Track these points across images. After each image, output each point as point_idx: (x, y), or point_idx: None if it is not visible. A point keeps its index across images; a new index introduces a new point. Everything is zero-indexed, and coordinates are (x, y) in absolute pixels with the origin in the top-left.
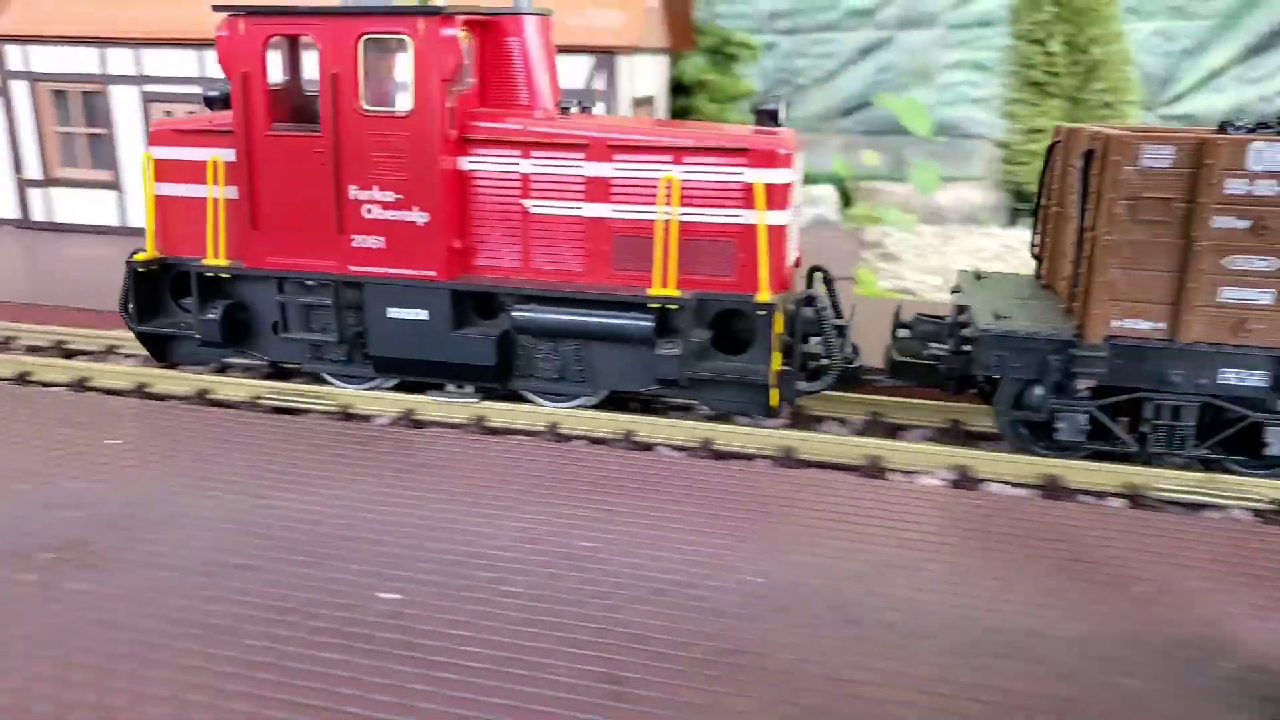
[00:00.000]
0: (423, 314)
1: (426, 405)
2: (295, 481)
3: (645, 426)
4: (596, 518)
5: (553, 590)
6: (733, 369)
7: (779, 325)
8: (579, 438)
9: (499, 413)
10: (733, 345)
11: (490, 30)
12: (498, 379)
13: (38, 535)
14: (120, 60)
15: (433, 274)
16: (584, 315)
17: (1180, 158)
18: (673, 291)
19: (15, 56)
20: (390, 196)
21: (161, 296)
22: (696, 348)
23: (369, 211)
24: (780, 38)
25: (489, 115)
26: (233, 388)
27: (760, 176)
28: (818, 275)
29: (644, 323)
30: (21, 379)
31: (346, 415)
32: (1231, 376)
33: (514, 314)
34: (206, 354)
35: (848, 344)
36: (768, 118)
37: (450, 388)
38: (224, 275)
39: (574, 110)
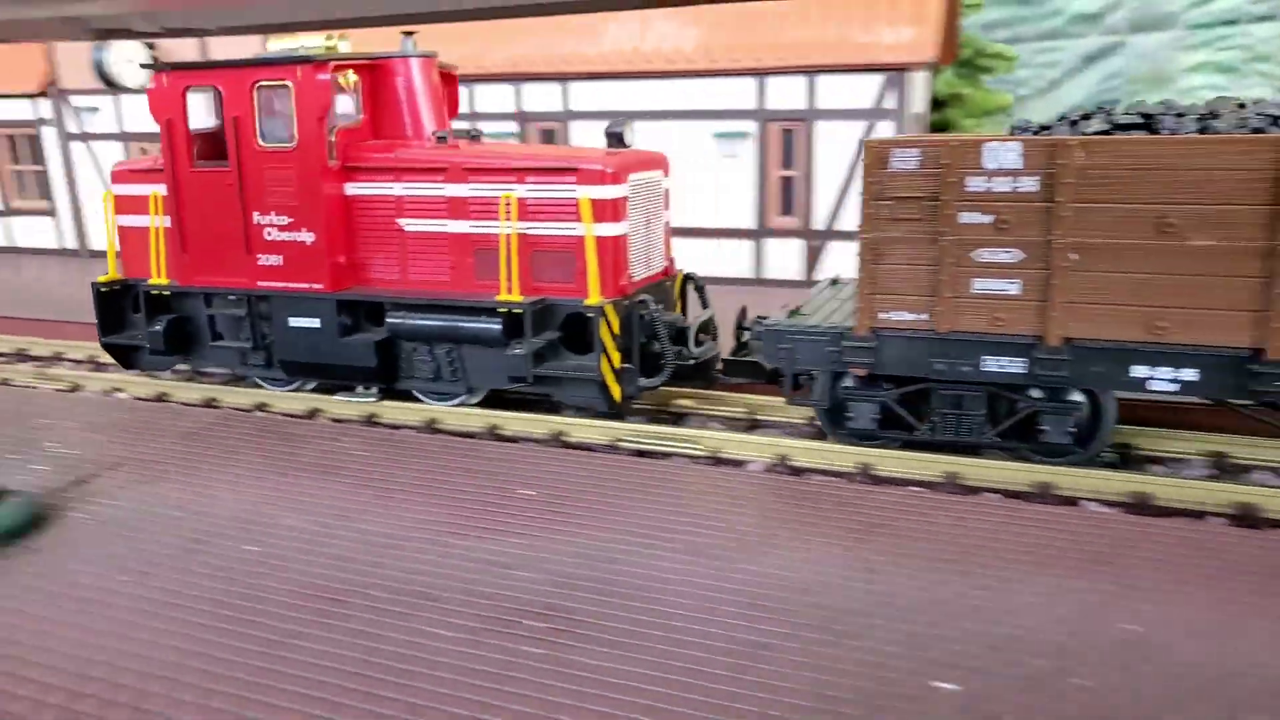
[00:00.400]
0: (315, 322)
1: (799, 450)
2: (742, 540)
3: (1065, 478)
4: (1115, 593)
5: (1130, 685)
6: (572, 366)
7: (615, 326)
8: (984, 489)
9: (886, 461)
10: (585, 346)
11: (379, 72)
12: (382, 379)
13: (510, 600)
14: None
15: (320, 286)
16: (443, 320)
17: (925, 160)
18: (516, 297)
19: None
20: (285, 220)
21: (126, 313)
22: (541, 348)
23: (269, 234)
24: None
25: (371, 146)
26: (588, 430)
27: (588, 193)
28: (690, 282)
29: (492, 326)
30: (369, 421)
31: (716, 460)
32: (992, 364)
33: (388, 320)
34: (160, 362)
35: (693, 344)
36: (616, 140)
37: (359, 389)
38: (165, 293)
39: (450, 138)
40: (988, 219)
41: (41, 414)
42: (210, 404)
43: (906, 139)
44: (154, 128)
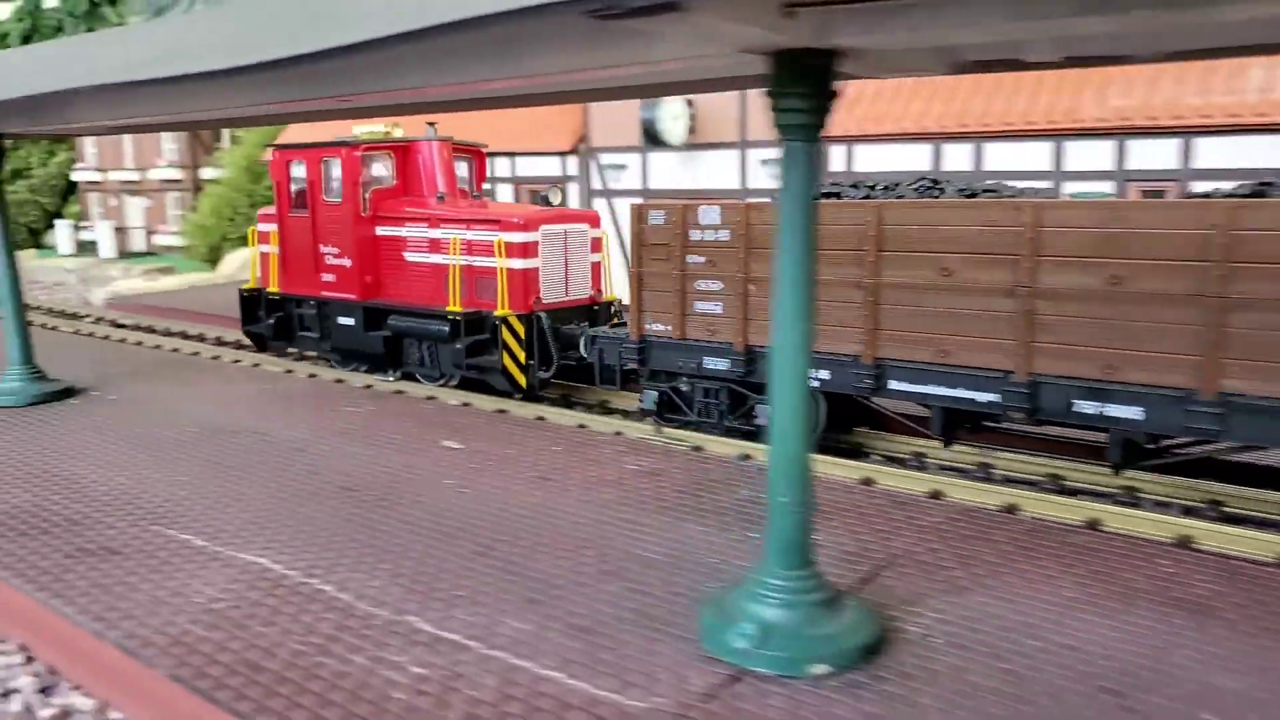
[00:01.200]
0: (351, 320)
1: None
2: None
3: None
4: None
5: None
6: (487, 361)
7: (520, 331)
8: None
9: None
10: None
11: (408, 150)
12: (390, 364)
13: None
14: (956, 155)
15: (353, 296)
16: (416, 322)
17: (668, 217)
18: (457, 309)
19: (837, 157)
20: (336, 251)
21: (259, 311)
22: (470, 346)
23: (327, 259)
24: None
25: (396, 202)
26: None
27: (503, 237)
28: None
29: (442, 328)
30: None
31: None
32: (710, 363)
33: (389, 321)
34: (278, 345)
35: (582, 349)
36: (543, 201)
37: (390, 374)
38: (275, 297)
39: (446, 197)
40: (702, 259)
41: (713, 482)
42: (874, 485)
43: (655, 203)
44: (673, 185)
